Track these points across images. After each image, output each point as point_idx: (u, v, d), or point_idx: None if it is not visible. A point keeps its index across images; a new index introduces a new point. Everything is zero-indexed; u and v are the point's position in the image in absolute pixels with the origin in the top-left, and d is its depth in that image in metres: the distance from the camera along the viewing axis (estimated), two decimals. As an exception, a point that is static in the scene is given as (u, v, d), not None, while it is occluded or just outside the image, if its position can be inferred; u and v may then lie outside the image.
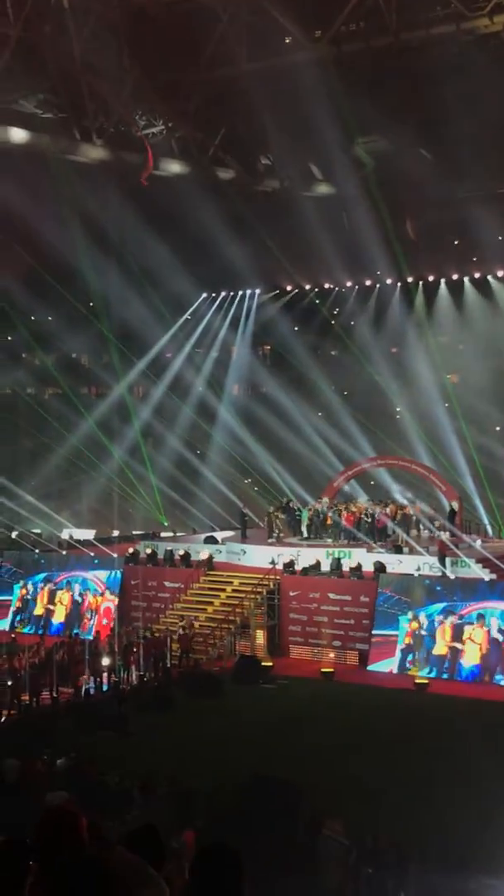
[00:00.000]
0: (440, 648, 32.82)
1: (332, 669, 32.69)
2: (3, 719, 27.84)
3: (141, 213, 45.52)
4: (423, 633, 33.20)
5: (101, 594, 39.47)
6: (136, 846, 4.28)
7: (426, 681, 31.45)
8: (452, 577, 34.69)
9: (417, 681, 31.43)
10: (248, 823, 17.71)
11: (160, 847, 4.54)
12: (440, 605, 33.29)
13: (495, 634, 32.03)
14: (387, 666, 33.41)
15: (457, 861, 17.22)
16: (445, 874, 16.85)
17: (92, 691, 30.66)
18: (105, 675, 31.87)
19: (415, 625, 33.37)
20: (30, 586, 41.01)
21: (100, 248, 47.18)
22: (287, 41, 43.85)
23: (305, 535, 41.00)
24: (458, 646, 32.44)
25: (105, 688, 31.33)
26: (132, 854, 3.89)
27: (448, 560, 35.48)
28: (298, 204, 48.54)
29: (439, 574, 34.99)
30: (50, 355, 55.27)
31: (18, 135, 42.72)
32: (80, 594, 39.88)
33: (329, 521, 40.79)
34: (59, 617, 39.87)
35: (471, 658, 32.23)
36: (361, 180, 46.90)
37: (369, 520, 40.25)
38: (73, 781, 19.84)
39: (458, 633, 32.62)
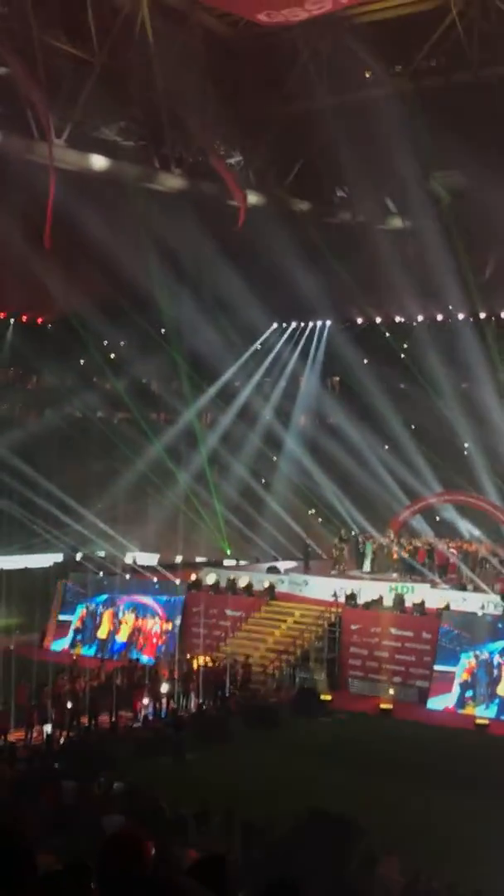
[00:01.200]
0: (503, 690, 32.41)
1: (390, 706, 32.41)
2: (62, 741, 27.97)
3: (216, 242, 45.97)
4: (485, 669, 32.82)
5: (163, 619, 39.58)
6: (202, 875, 4.28)
7: (486, 721, 31.03)
8: (516, 616, 34.27)
9: (478, 721, 31.02)
10: (302, 858, 17.60)
11: (224, 878, 4.54)
12: (502, 643, 32.90)
13: None
14: (445, 701, 33.06)
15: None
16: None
17: (151, 717, 30.72)
18: (164, 700, 31.90)
19: (473, 661, 33.03)
20: (92, 607, 41.28)
21: (174, 276, 47.68)
22: (367, 75, 44.19)
23: (369, 569, 40.77)
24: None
25: (164, 714, 31.37)
26: (197, 883, 3.90)
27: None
28: (372, 236, 48.66)
29: (502, 612, 34.58)
30: (121, 380, 55.81)
31: (99, 162, 43.51)
32: (142, 618, 40.04)
33: (394, 556, 40.56)
34: (120, 639, 40.05)
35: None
36: (437, 214, 46.89)
37: (434, 556, 40.01)
38: (128, 806, 19.90)
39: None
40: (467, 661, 33.19)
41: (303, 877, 16.42)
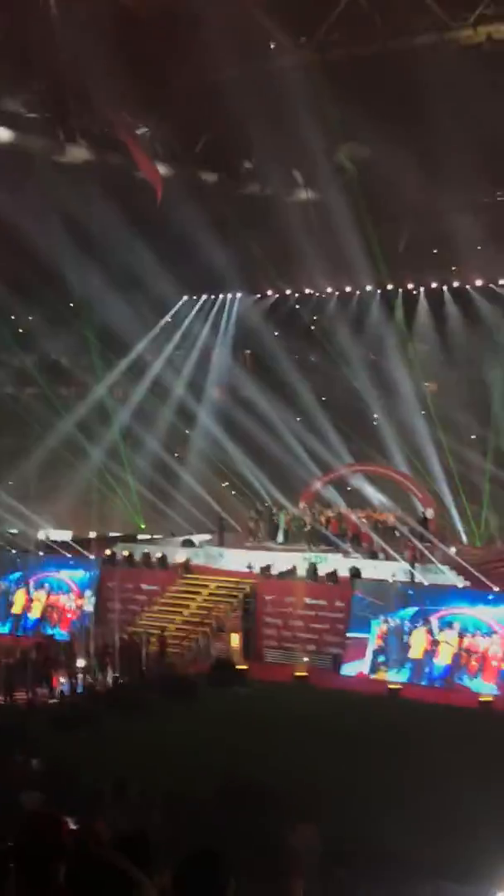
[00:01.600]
0: (416, 652, 33.07)
1: (305, 673, 32.85)
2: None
3: (124, 214, 45.53)
4: (395, 635, 33.47)
5: (77, 595, 39.47)
6: (124, 850, 4.37)
7: (399, 686, 31.66)
8: (426, 583, 34.95)
9: (390, 686, 31.64)
10: (220, 826, 17.83)
11: (148, 855, 4.63)
12: (412, 610, 33.57)
13: (463, 638, 32.41)
14: (358, 667, 33.66)
15: (426, 866, 17.39)
16: (415, 880, 17.02)
17: (67, 692, 30.69)
18: (80, 676, 31.88)
19: (384, 627, 33.65)
20: (4, 584, 40.98)
21: (82, 250, 47.17)
22: (272, 46, 44.05)
23: (282, 540, 41.12)
24: (433, 647, 32.79)
25: (80, 688, 31.36)
26: (120, 856, 3.97)
27: (422, 567, 35.76)
28: (281, 208, 48.69)
29: (412, 580, 35.24)
30: (30, 355, 55.12)
31: (3, 134, 42.76)
32: (56, 594, 39.87)
33: (306, 527, 40.97)
34: (34, 616, 39.84)
35: (443, 658, 32.57)
36: (343, 186, 47.06)
37: (345, 525, 40.51)
38: (46, 782, 19.92)
39: (431, 637, 32.94)
40: (378, 627, 33.80)
41: (222, 845, 16.68)
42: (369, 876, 17.47)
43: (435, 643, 32.88)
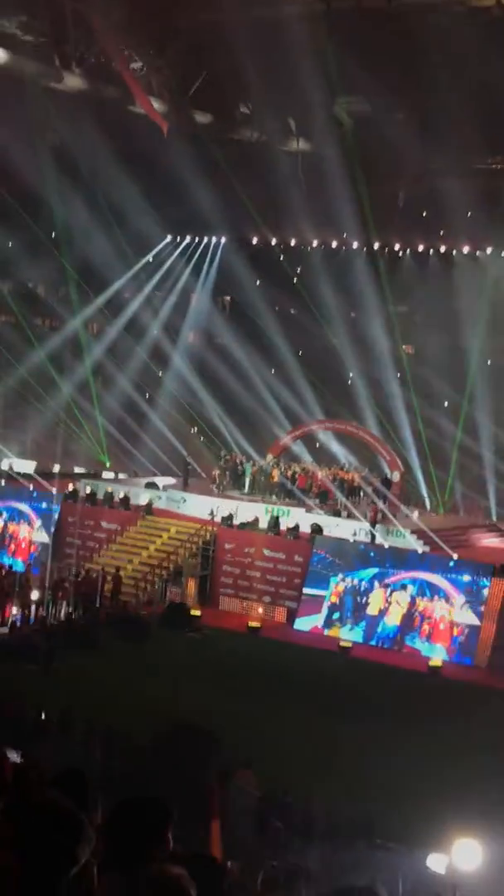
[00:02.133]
0: (373, 609, 33.26)
1: (259, 624, 32.97)
2: None
3: (113, 147, 44.84)
4: (352, 594, 33.64)
5: (37, 528, 39.31)
6: (62, 787, 4.27)
7: (349, 644, 31.86)
8: (386, 545, 35.06)
9: (342, 643, 31.82)
10: (160, 768, 17.87)
11: (85, 793, 4.54)
12: (372, 571, 33.70)
13: (418, 601, 32.64)
14: (312, 622, 33.82)
15: (363, 825, 17.54)
16: (351, 837, 17.17)
17: (19, 623, 30.60)
18: (33, 608, 31.79)
19: (341, 587, 33.80)
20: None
21: (68, 179, 46.48)
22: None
23: (248, 490, 41.09)
24: (385, 606, 33.03)
25: (32, 621, 31.28)
26: (61, 794, 3.87)
27: (384, 529, 35.87)
28: (273, 157, 48.16)
29: (372, 541, 35.35)
30: (6, 282, 54.42)
31: (-3, 55, 41.96)
32: (15, 525, 39.70)
33: (273, 479, 40.96)
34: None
35: (393, 618, 32.80)
36: (339, 140, 46.59)
37: (311, 481, 40.55)
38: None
39: (387, 597, 33.18)
40: (335, 585, 33.94)
41: (160, 786, 16.71)
42: (305, 830, 17.61)
43: (388, 603, 33.10)
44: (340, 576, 33.98)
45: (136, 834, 3.95)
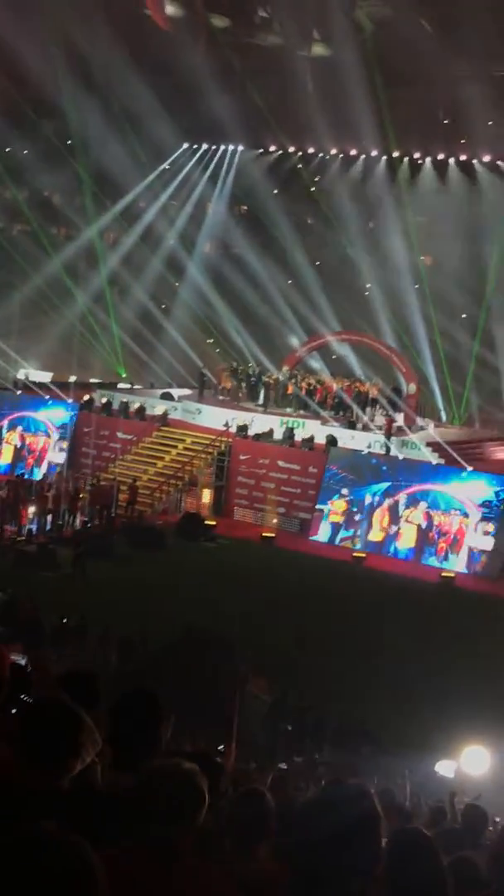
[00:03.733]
0: (376, 535, 33.33)
1: (273, 534, 33.20)
2: None
3: (129, 52, 43.92)
4: (356, 513, 33.72)
5: (53, 437, 39.46)
6: (73, 690, 4.35)
7: (363, 554, 32.05)
8: (400, 457, 35.05)
9: (355, 554, 32.03)
10: (174, 672, 18.17)
11: (96, 695, 4.63)
12: (384, 485, 33.71)
13: (432, 517, 32.67)
14: (321, 537, 34.02)
15: (371, 731, 17.88)
16: (359, 742, 17.52)
17: (35, 531, 30.92)
18: (49, 517, 32.09)
19: (342, 505, 33.84)
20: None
21: (83, 85, 45.65)
22: None
23: (262, 401, 41.05)
24: (394, 529, 33.05)
25: (48, 528, 31.61)
26: (68, 697, 3.96)
27: (398, 441, 35.84)
28: (292, 61, 47.15)
29: (386, 453, 35.32)
30: (21, 190, 53.87)
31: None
32: (31, 435, 39.84)
33: (289, 391, 40.89)
34: (6, 456, 39.90)
35: (406, 541, 32.84)
36: (359, 45, 45.54)
37: (326, 393, 40.48)
38: (7, 617, 20.19)
39: (394, 516, 33.14)
40: (334, 502, 34.00)
41: (173, 691, 17.02)
42: (314, 734, 17.97)
43: (396, 524, 33.06)
44: (345, 490, 33.97)
45: (130, 726, 4.07)
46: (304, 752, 17.40)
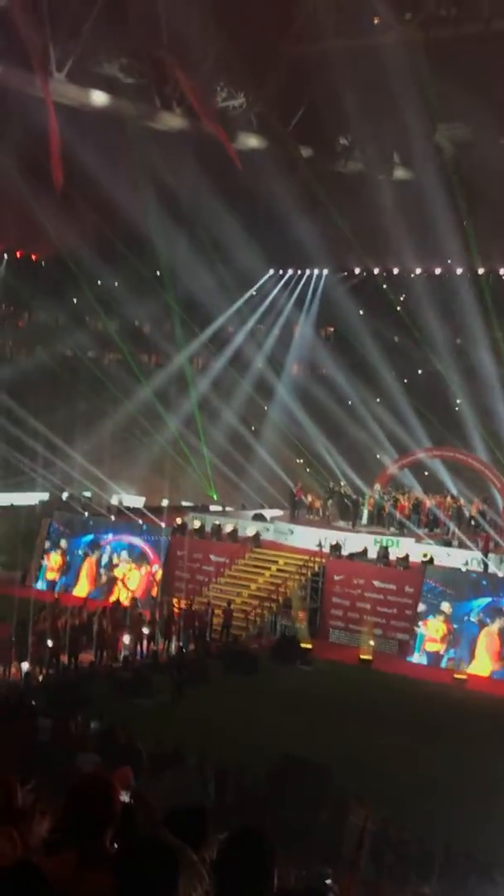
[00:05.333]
0: (483, 666, 32.36)
1: (370, 657, 32.54)
2: (40, 678, 28.01)
3: (215, 184, 45.36)
4: (459, 634, 32.93)
5: (147, 562, 39.61)
6: (180, 827, 4.19)
7: (465, 676, 31.16)
8: (500, 574, 34.30)
9: (456, 675, 31.15)
10: (274, 803, 17.69)
11: (205, 831, 4.45)
12: (485, 601, 32.97)
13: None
14: (423, 659, 33.25)
15: (481, 862, 17.07)
16: (464, 873, 16.73)
17: (130, 657, 30.78)
18: (144, 643, 31.97)
19: (441, 628, 33.07)
20: (76, 546, 41.26)
21: (171, 217, 47.10)
22: (376, 21, 43.46)
23: (366, 522, 40.59)
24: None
25: (144, 655, 31.44)
26: (174, 837, 3.80)
27: (497, 558, 35.15)
28: (374, 186, 48.11)
29: (485, 570, 34.64)
30: (113, 321, 55.38)
31: (100, 98, 42.90)
32: (126, 560, 40.06)
33: (385, 511, 40.57)
34: (103, 581, 40.09)
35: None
36: (440, 166, 46.37)
37: (420, 510, 40.10)
38: (104, 746, 19.96)
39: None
40: (434, 621, 33.28)
41: (274, 822, 16.53)
42: (421, 864, 17.24)
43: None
44: (447, 606, 33.23)
45: (243, 871, 3.84)
46: (409, 883, 16.68)
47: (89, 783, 4.42)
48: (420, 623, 33.60)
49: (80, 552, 41.12)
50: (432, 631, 33.39)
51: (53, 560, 41.59)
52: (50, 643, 29.24)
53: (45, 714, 21.63)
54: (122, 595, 38.26)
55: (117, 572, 40.01)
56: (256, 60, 44.98)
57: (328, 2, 42.92)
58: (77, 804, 4.24)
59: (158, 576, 38.91)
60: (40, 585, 40.38)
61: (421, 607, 33.85)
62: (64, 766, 16.82)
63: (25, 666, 28.14)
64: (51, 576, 41.22)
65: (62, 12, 40.18)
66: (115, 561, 40.30)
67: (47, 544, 42.01)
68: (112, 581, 39.90)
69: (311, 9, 42.86)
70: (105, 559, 40.53)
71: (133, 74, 44.86)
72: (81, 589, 39.87)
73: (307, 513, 42.98)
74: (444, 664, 32.76)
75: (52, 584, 40.45)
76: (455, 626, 33.10)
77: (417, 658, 33.36)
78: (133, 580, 39.60)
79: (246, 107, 47.66)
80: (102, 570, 40.39)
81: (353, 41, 41.92)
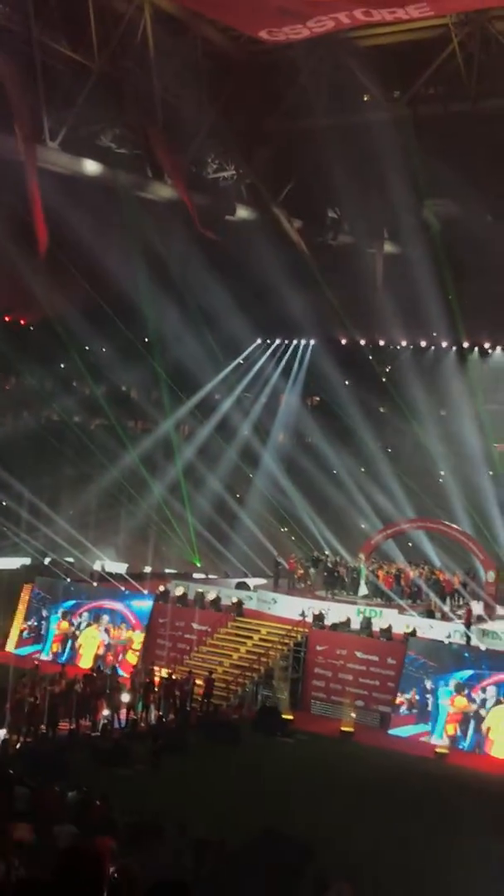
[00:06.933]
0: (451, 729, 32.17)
1: (352, 729, 32.24)
2: (18, 746, 27.64)
3: (204, 254, 45.91)
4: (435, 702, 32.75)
5: (128, 628, 39.32)
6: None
7: (445, 750, 30.89)
8: (482, 647, 34.17)
9: (437, 750, 30.88)
10: (252, 878, 17.38)
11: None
12: (468, 672, 32.77)
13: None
14: (409, 729, 32.95)
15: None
16: None
17: (109, 726, 30.41)
18: (123, 711, 31.61)
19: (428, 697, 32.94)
20: (57, 612, 40.94)
21: (161, 285, 47.54)
22: (365, 99, 44.41)
23: (365, 592, 40.32)
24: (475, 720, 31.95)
25: (123, 724, 31.08)
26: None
27: (478, 630, 35.06)
28: (362, 259, 48.73)
29: (467, 642, 34.51)
30: (100, 386, 55.56)
31: (92, 167, 43.50)
32: (107, 626, 39.75)
33: (368, 580, 40.48)
34: (82, 648, 39.74)
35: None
36: (427, 241, 47.04)
37: (403, 582, 40.04)
38: (81, 816, 19.62)
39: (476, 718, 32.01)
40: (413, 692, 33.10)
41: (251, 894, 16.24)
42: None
43: (480, 717, 31.96)
44: (427, 684, 33.04)
45: None
46: None
47: (79, 856, 4.34)
48: (408, 692, 33.33)
49: (60, 617, 40.79)
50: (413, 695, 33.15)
51: (33, 626, 41.24)
52: (27, 710, 28.90)
53: (23, 783, 21.26)
54: (86, 661, 37.99)
55: (96, 638, 39.67)
56: (247, 134, 45.86)
57: (319, 80, 43.85)
58: (68, 879, 4.16)
59: (138, 643, 38.58)
60: (19, 651, 40.00)
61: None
62: (41, 837, 16.54)
63: (2, 733, 27.79)
64: (30, 642, 40.83)
65: (57, 83, 40.94)
66: (94, 626, 39.99)
67: (28, 610, 41.68)
68: (91, 647, 39.54)
69: (301, 86, 43.77)
70: (84, 625, 40.21)
71: (125, 145, 45.61)
72: (59, 655, 39.51)
73: (293, 582, 42.79)
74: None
75: (31, 651, 40.07)
76: (427, 697, 32.87)
77: (402, 727, 33.03)
78: (112, 647, 39.23)
79: (236, 179, 48.40)
80: (81, 636, 40.05)
81: (342, 118, 42.77)
